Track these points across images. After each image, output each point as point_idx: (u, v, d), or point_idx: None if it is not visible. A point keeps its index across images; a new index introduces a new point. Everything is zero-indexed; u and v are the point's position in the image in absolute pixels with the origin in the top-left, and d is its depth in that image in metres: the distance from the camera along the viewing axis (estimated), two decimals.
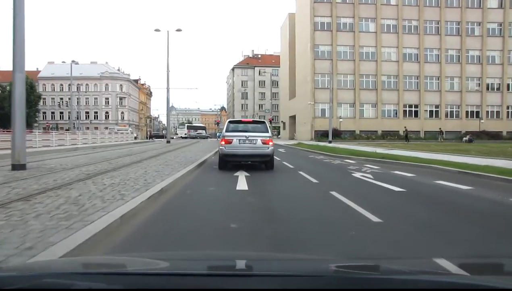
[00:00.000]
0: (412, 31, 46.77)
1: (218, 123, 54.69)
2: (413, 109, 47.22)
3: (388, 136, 43.47)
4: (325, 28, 45.89)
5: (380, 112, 46.41)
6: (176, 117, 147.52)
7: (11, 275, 1.18)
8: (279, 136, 64.25)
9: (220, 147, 10.51)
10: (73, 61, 53.43)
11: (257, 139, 10.22)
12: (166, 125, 48.28)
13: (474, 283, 1.11)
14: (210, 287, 1.06)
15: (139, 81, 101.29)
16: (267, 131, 10.67)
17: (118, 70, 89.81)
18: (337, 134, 40.38)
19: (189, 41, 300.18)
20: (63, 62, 48.37)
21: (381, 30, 46.19)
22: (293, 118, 55.03)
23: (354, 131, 45.27)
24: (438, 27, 46.84)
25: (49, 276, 1.11)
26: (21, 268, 1.55)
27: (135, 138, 45.62)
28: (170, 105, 44.75)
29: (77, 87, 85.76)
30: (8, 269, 1.60)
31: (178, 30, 36.94)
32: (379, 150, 19.04)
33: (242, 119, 11.87)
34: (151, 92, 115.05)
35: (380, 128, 45.62)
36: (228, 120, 11.90)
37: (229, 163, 10.64)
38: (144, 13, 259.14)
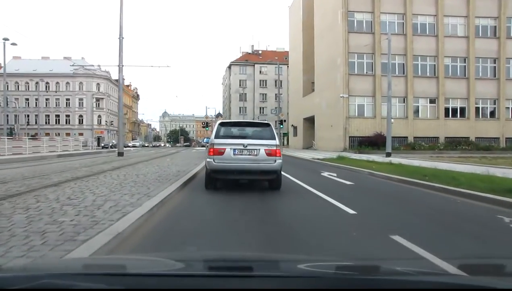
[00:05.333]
0: None
1: (206, 124, 39.27)
2: (488, 106, 32.73)
3: (461, 145, 29.00)
4: None
5: (442, 111, 31.87)
6: (169, 124, 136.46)
7: (11, 275, 1.18)
8: (287, 145, 49.83)
9: (208, 160, 7.71)
10: (22, 46, 39.48)
11: (259, 149, 7.51)
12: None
13: (473, 284, 1.10)
14: (210, 287, 1.05)
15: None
16: (274, 138, 7.75)
17: (99, 66, 75.96)
18: (381, 142, 26.07)
19: (181, 38, 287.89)
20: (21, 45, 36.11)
21: None
22: (309, 120, 40.52)
23: (406, 137, 30.74)
24: None
25: (49, 277, 1.09)
26: (21, 268, 1.56)
27: (84, 146, 31.42)
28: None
29: (46, 86, 72.62)
30: (8, 269, 1.60)
31: None
32: None
33: (238, 121, 9.02)
34: (138, 95, 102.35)
35: (443, 133, 31.17)
36: (219, 121, 8.57)
37: (219, 180, 7.96)
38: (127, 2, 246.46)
